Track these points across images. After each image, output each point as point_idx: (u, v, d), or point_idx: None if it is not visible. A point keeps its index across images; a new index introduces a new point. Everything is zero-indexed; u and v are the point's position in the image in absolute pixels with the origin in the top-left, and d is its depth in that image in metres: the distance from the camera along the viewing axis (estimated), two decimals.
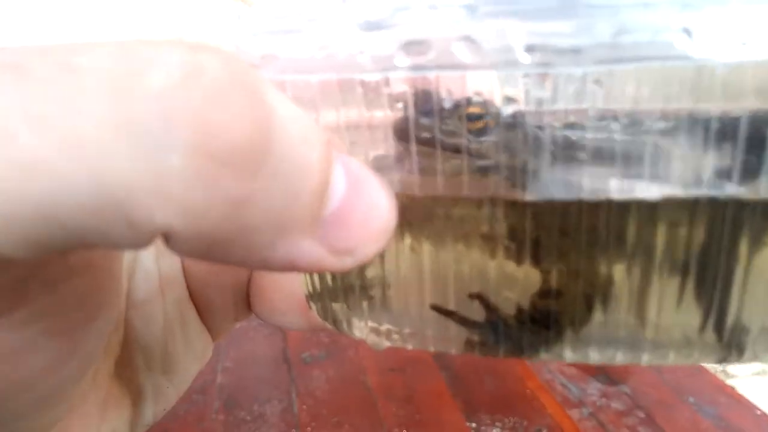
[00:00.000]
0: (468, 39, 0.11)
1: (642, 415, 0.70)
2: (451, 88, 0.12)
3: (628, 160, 0.12)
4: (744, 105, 0.12)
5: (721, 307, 0.14)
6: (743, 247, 0.13)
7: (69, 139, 0.08)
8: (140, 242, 0.09)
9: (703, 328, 0.14)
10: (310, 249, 0.10)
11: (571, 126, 0.12)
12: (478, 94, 0.12)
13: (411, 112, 0.13)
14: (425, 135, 0.13)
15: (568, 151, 0.13)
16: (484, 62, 0.11)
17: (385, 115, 0.13)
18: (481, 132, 0.13)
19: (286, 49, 0.12)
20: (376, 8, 0.12)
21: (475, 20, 0.11)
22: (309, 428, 0.61)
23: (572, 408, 0.69)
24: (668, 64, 0.11)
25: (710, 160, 0.12)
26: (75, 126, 0.08)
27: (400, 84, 0.13)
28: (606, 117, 0.12)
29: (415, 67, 0.12)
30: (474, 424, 0.62)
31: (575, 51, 0.11)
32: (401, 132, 0.13)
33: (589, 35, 0.11)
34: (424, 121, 0.13)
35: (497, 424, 0.62)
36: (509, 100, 0.12)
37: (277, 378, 0.70)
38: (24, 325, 0.11)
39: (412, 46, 0.12)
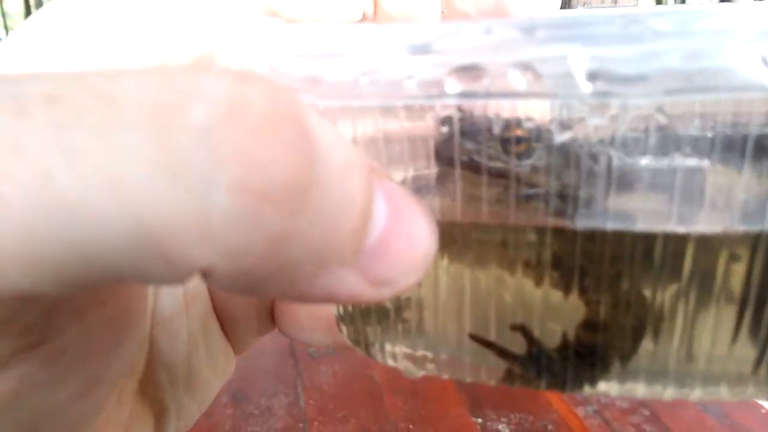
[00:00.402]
0: (525, 65, 0.11)
1: (647, 413, 0.70)
2: (500, 110, 0.12)
3: (688, 191, 0.12)
4: None
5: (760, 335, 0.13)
6: None
7: (108, 177, 0.08)
8: (177, 279, 0.08)
9: (758, 363, 0.13)
10: (350, 281, 0.10)
11: (629, 154, 0.12)
12: (529, 119, 0.12)
13: (456, 132, 0.12)
14: (469, 157, 0.13)
15: (624, 181, 0.12)
16: (542, 90, 0.11)
17: (429, 135, 0.13)
18: (525, 155, 0.12)
19: (330, 72, 0.12)
20: (422, 32, 0.11)
21: (532, 45, 0.11)
22: (316, 422, 0.61)
23: (577, 405, 0.69)
24: (743, 94, 0.10)
25: None
26: (114, 163, 0.08)
27: (447, 106, 0.12)
28: (667, 146, 0.12)
29: (467, 94, 0.11)
30: (480, 420, 0.62)
31: (641, 78, 0.10)
32: (444, 153, 0.13)
33: (656, 62, 0.10)
34: (469, 143, 0.12)
35: (503, 419, 0.62)
36: (563, 125, 0.12)
37: (284, 372, 0.71)
38: (53, 357, 0.11)
39: (464, 72, 0.11)
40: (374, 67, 0.12)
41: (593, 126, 0.12)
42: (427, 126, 0.13)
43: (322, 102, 0.12)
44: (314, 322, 0.19)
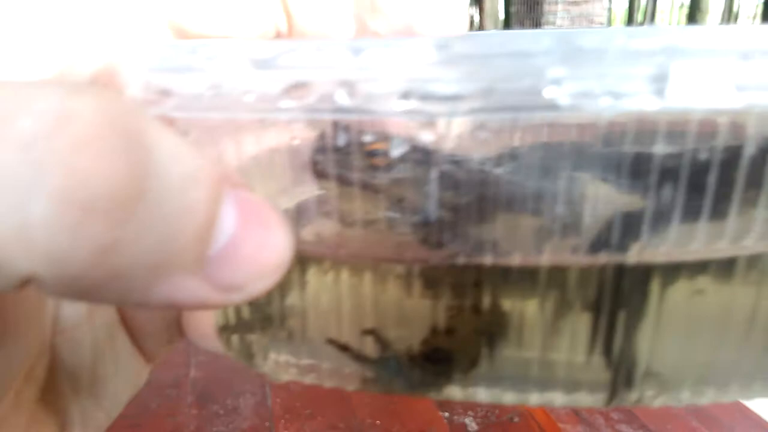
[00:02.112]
0: (347, 83, 0.11)
1: None
2: (363, 125, 0.12)
3: (536, 214, 0.13)
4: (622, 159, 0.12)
5: (631, 350, 0.14)
6: (651, 295, 0.14)
7: None
8: (7, 287, 0.09)
9: (587, 368, 0.14)
10: (194, 287, 0.10)
11: (456, 170, 0.13)
12: (377, 133, 0.12)
13: (313, 147, 0.13)
14: (329, 170, 0.13)
15: (470, 197, 0.13)
16: (362, 107, 0.11)
17: (288, 149, 0.13)
18: (384, 169, 0.13)
19: (182, 86, 0.12)
20: (265, 48, 0.12)
21: (358, 63, 0.11)
22: (282, 421, 0.61)
23: None
24: (536, 113, 0.11)
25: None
26: None
27: (298, 123, 0.13)
28: (488, 161, 0.12)
29: (298, 109, 0.12)
30: (447, 414, 0.62)
31: (455, 98, 0.11)
32: (306, 164, 0.13)
33: (468, 83, 0.11)
34: (330, 156, 0.13)
35: (469, 413, 0.62)
36: (399, 141, 0.12)
37: (250, 371, 0.70)
38: None
39: (295, 89, 0.12)
40: (220, 81, 0.12)
41: (424, 141, 0.12)
42: (288, 138, 0.13)
43: (175, 114, 0.12)
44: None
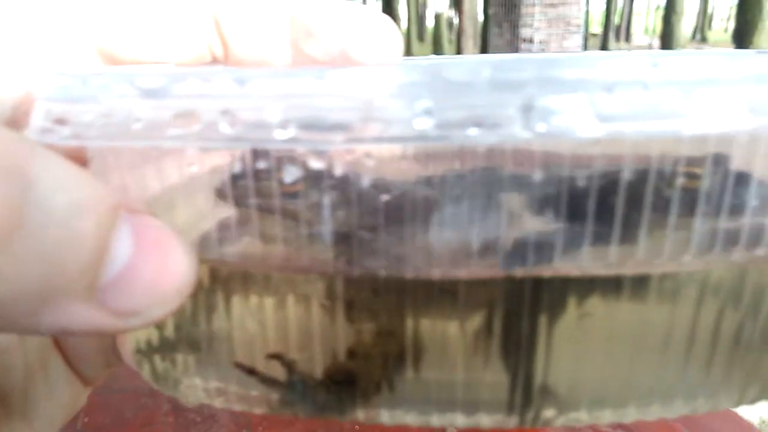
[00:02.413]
0: (229, 112, 0.12)
1: None
2: (280, 152, 0.13)
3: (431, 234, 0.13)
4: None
5: (526, 370, 0.14)
6: (542, 317, 0.14)
7: None
8: None
9: (512, 391, 0.15)
10: (86, 314, 0.10)
11: (363, 193, 0.13)
12: (270, 160, 0.13)
13: (221, 175, 0.13)
14: (234, 196, 0.14)
15: (379, 221, 0.13)
16: (242, 136, 0.12)
17: (198, 177, 0.14)
18: (299, 195, 0.13)
19: (76, 115, 0.12)
20: (155, 78, 0.12)
21: (241, 93, 0.12)
22: (260, 428, 0.60)
23: None
24: (408, 143, 0.12)
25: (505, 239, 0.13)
26: None
27: (192, 150, 0.13)
28: (379, 187, 0.13)
29: (185, 138, 0.12)
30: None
31: (333, 127, 0.11)
32: (223, 192, 0.14)
33: (346, 113, 0.11)
34: (248, 183, 0.13)
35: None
36: (291, 169, 0.13)
37: None
38: None
39: (182, 117, 0.12)
40: (111, 109, 0.12)
41: (315, 169, 0.13)
42: (187, 166, 0.14)
43: (77, 143, 0.13)
44: None
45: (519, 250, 0.13)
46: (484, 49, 6.53)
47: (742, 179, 0.13)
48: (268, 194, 0.13)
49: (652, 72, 0.11)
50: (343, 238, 0.14)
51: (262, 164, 0.13)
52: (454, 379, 0.15)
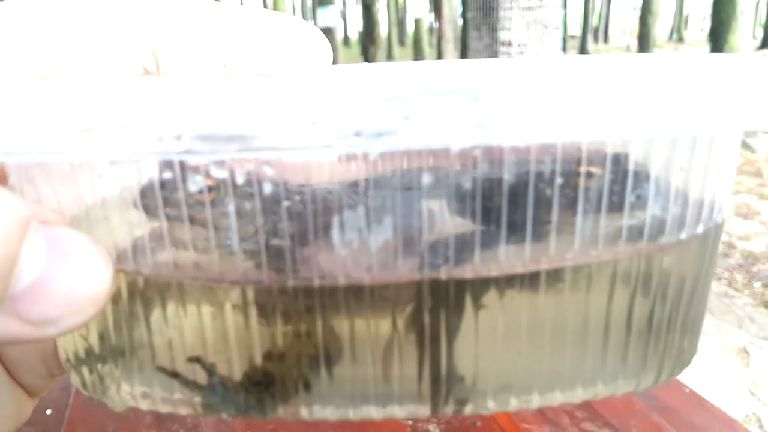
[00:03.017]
0: (126, 126, 0.12)
1: None
2: (197, 162, 0.13)
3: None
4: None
5: (432, 363, 0.15)
6: (442, 312, 0.15)
7: None
8: None
9: (420, 381, 0.15)
10: None
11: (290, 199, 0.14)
12: (195, 169, 0.13)
13: (140, 186, 0.14)
14: (151, 207, 0.14)
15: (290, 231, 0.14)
16: (142, 148, 0.12)
17: (119, 189, 0.14)
18: (214, 203, 0.14)
19: None
20: (61, 93, 0.13)
21: (140, 107, 0.12)
22: None
23: None
24: (298, 152, 0.12)
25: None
26: None
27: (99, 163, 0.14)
28: (323, 189, 0.14)
29: (88, 151, 0.13)
30: (410, 421, 0.62)
31: (226, 139, 0.12)
32: (145, 204, 0.14)
33: (237, 125, 0.12)
34: (164, 193, 0.14)
35: (432, 419, 0.62)
36: (193, 179, 0.14)
37: None
38: None
39: (84, 132, 0.12)
40: (19, 125, 0.13)
41: (220, 179, 0.14)
42: (97, 177, 0.14)
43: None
44: None
45: (438, 252, 0.14)
46: (464, 53, 6.56)
47: (640, 177, 0.14)
48: (177, 204, 0.14)
49: (531, 81, 0.12)
50: (252, 246, 0.14)
51: (167, 174, 0.14)
52: (367, 375, 0.16)
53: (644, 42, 7.67)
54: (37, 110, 0.13)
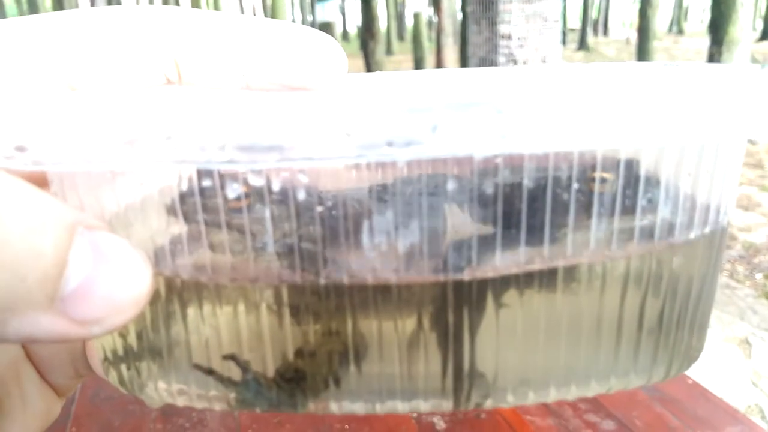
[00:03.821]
0: (173, 137, 0.13)
1: None
2: (228, 171, 0.14)
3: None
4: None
5: (456, 360, 0.16)
6: (465, 311, 0.16)
7: None
8: None
9: (444, 377, 0.16)
10: (48, 323, 0.11)
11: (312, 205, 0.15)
12: (235, 178, 0.14)
13: (176, 193, 0.15)
14: (188, 212, 0.15)
15: (321, 233, 0.15)
16: (185, 158, 0.13)
17: (156, 195, 0.15)
18: (248, 209, 0.15)
19: (34, 142, 0.14)
20: (108, 106, 0.13)
21: (183, 119, 0.13)
22: (250, 431, 0.60)
23: None
24: (333, 161, 0.13)
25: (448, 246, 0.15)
26: None
27: (142, 171, 0.15)
28: (351, 196, 0.15)
29: (133, 161, 0.13)
30: (415, 414, 0.62)
31: (267, 149, 0.13)
32: (182, 211, 0.15)
33: (277, 137, 0.13)
34: (200, 201, 0.15)
35: (437, 412, 0.62)
36: (232, 186, 0.15)
37: None
38: None
39: (130, 143, 0.13)
40: (65, 137, 0.14)
41: (256, 187, 0.14)
42: (139, 185, 0.15)
43: (37, 168, 0.14)
44: None
45: (461, 254, 0.15)
46: (463, 47, 6.54)
47: (651, 182, 0.15)
48: (215, 210, 0.15)
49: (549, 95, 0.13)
50: (285, 249, 0.15)
51: (206, 182, 0.15)
52: (393, 371, 0.16)
53: (644, 34, 7.65)
54: (85, 122, 0.13)
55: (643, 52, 7.49)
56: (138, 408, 0.65)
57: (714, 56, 4.99)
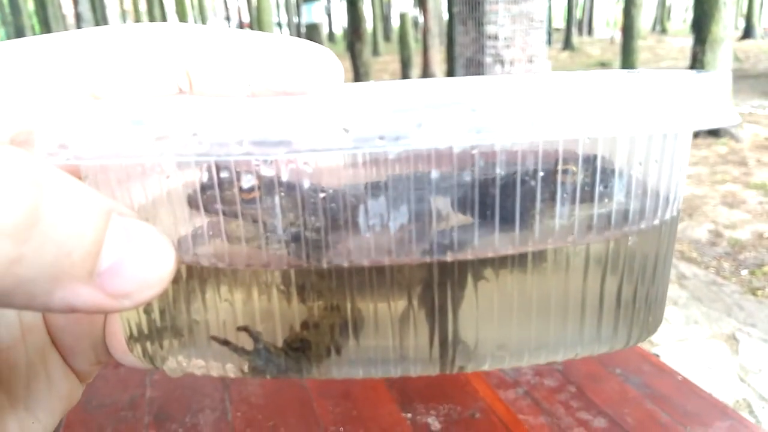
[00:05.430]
0: (197, 134, 0.15)
1: (573, 389, 0.72)
2: (237, 165, 0.17)
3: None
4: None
5: (441, 331, 0.19)
6: (448, 289, 0.19)
7: None
8: None
9: (431, 346, 0.19)
10: (87, 295, 0.13)
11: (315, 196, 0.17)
12: (248, 170, 0.17)
13: (196, 185, 0.17)
14: (207, 203, 0.17)
15: (323, 221, 0.17)
16: (207, 152, 0.15)
17: (180, 188, 0.18)
18: (256, 200, 0.17)
19: (75, 140, 0.16)
20: (139, 110, 0.15)
21: (206, 118, 0.15)
22: None
23: (508, 389, 0.71)
24: (332, 152, 0.15)
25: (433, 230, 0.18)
26: None
27: (170, 165, 0.17)
28: (348, 188, 0.17)
29: (165, 154, 0.15)
30: (409, 415, 0.62)
31: (277, 143, 0.15)
32: (191, 203, 0.18)
33: (285, 131, 0.15)
34: (202, 192, 0.17)
35: (432, 412, 0.63)
36: (247, 177, 0.17)
37: (209, 387, 0.69)
38: None
39: (160, 139, 0.15)
40: (103, 135, 0.16)
41: (267, 177, 0.17)
42: (165, 178, 0.18)
43: (77, 162, 0.16)
44: None
45: (445, 240, 0.18)
46: (450, 47, 6.56)
47: (607, 172, 0.18)
48: (231, 201, 0.17)
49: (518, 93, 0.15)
50: (293, 236, 0.18)
51: (224, 174, 0.17)
52: (386, 341, 0.19)
53: (628, 33, 7.69)
54: (119, 122, 0.15)
55: (627, 51, 7.53)
56: (131, 414, 0.65)
57: (697, 54, 5.03)
